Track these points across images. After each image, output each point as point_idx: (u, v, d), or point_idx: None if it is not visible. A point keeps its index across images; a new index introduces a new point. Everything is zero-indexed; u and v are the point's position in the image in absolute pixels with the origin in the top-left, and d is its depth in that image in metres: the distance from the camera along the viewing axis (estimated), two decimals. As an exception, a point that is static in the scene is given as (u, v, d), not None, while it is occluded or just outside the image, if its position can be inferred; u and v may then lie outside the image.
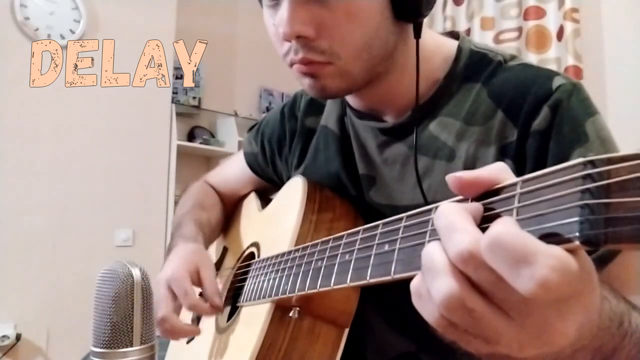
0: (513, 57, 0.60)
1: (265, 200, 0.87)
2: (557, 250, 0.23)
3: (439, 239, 0.28)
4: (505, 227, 0.24)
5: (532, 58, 2.06)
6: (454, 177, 0.30)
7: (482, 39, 2.20)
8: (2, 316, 2.03)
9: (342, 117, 0.69)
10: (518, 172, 0.55)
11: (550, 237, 0.24)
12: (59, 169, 2.22)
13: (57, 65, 2.28)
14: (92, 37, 2.34)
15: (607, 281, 0.45)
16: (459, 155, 0.57)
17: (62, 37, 2.26)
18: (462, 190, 0.30)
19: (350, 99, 0.67)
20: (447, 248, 0.27)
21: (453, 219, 0.27)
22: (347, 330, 0.58)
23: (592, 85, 1.87)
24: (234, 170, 0.92)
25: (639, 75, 1.84)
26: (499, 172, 0.30)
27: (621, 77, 1.88)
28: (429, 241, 0.31)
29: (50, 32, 2.23)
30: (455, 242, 0.26)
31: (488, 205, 0.29)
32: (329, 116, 0.71)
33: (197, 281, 0.67)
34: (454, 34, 0.64)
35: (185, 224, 0.80)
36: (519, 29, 2.14)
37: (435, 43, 0.61)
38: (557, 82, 0.53)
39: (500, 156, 0.55)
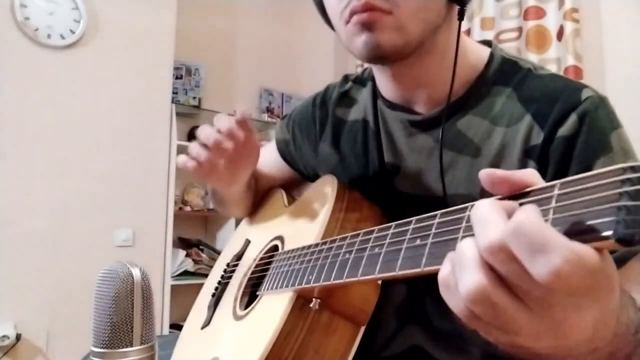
0: (542, 67, 0.63)
1: (289, 196, 0.89)
2: (575, 245, 0.25)
3: (473, 235, 0.29)
4: (528, 216, 0.26)
5: (532, 58, 2.06)
6: (487, 172, 0.31)
7: (482, 38, 2.20)
8: (2, 316, 2.03)
9: (375, 109, 0.72)
10: (540, 174, 0.56)
11: (583, 234, 0.26)
12: (59, 169, 2.22)
13: (57, 66, 2.29)
14: (92, 37, 2.34)
15: (623, 277, 0.48)
16: (484, 152, 0.60)
17: (62, 37, 2.26)
18: (493, 186, 0.31)
19: (385, 88, 0.69)
20: (478, 240, 0.28)
21: (487, 213, 0.29)
22: (363, 329, 0.59)
23: (591, 85, 1.87)
24: (266, 158, 0.94)
25: (639, 75, 1.84)
26: (531, 176, 0.31)
27: (621, 77, 1.88)
28: (462, 237, 0.32)
29: (50, 32, 2.23)
30: (486, 234, 0.28)
31: (525, 203, 0.30)
32: (367, 110, 0.73)
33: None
34: (487, 43, 0.68)
35: None
36: (519, 29, 2.14)
37: (470, 47, 0.65)
38: (585, 93, 0.56)
39: (525, 157, 0.57)
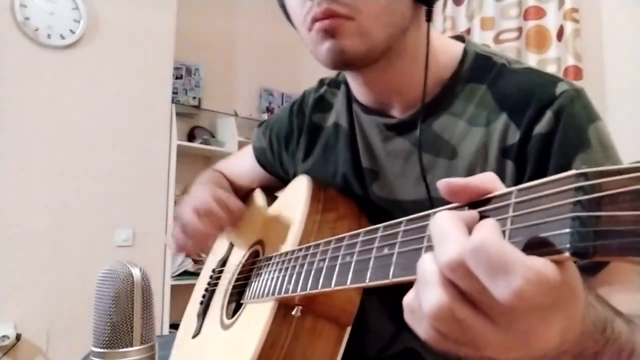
0: (517, 61, 0.61)
1: (270, 197, 0.88)
2: (535, 262, 0.24)
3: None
4: (488, 235, 0.26)
5: (532, 58, 2.06)
6: (444, 183, 0.31)
7: (482, 39, 2.20)
8: (2, 316, 2.03)
9: (350, 113, 0.70)
10: (518, 173, 0.55)
11: (541, 248, 0.25)
12: (59, 169, 2.22)
13: (57, 66, 2.28)
14: (92, 37, 2.34)
15: (605, 280, 0.47)
16: (461, 154, 0.58)
17: (62, 37, 2.26)
18: (452, 195, 0.31)
19: (359, 93, 0.68)
20: (437, 256, 0.28)
21: (445, 227, 0.28)
22: (349, 329, 0.59)
23: (591, 86, 1.87)
24: (243, 164, 0.94)
25: (639, 75, 1.84)
26: (490, 181, 0.30)
27: (621, 77, 1.88)
28: (427, 246, 0.32)
29: (50, 32, 2.23)
30: (444, 250, 0.27)
31: (483, 213, 0.29)
32: (340, 113, 0.72)
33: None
34: (459, 38, 0.66)
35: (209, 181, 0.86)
36: (519, 29, 2.14)
37: (443, 44, 0.63)
38: (560, 88, 0.54)
39: (502, 157, 0.56)
